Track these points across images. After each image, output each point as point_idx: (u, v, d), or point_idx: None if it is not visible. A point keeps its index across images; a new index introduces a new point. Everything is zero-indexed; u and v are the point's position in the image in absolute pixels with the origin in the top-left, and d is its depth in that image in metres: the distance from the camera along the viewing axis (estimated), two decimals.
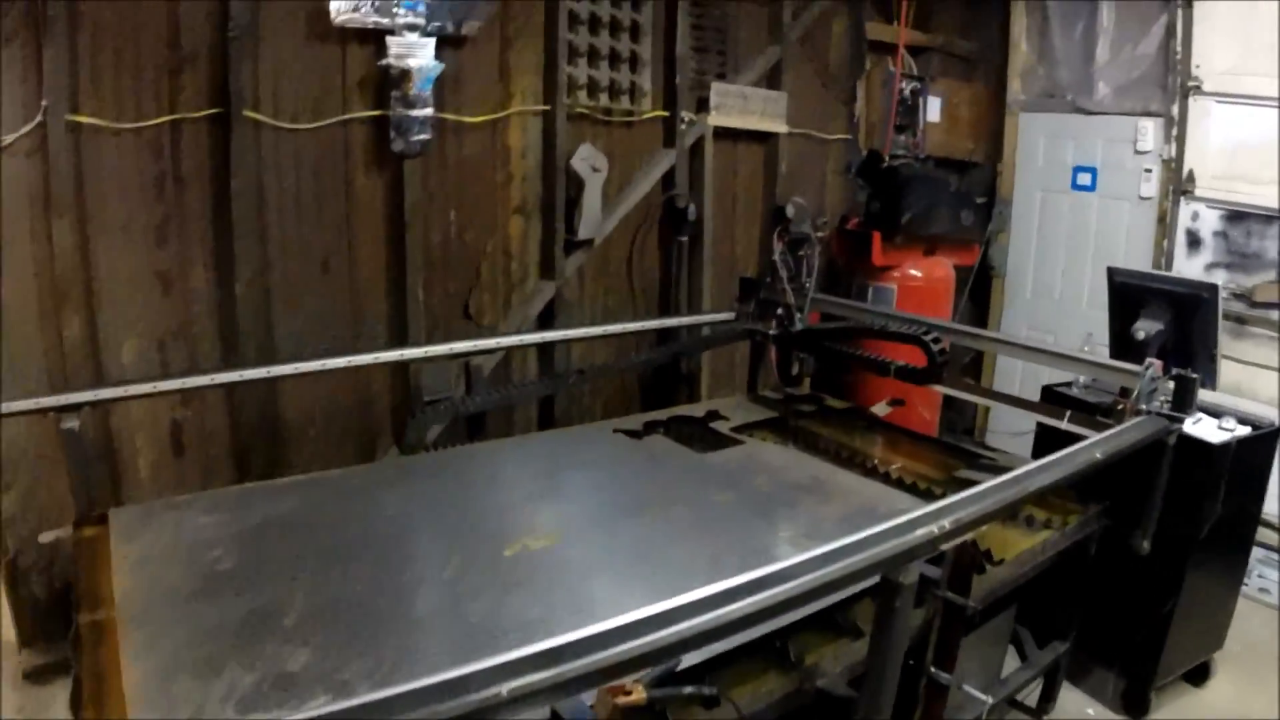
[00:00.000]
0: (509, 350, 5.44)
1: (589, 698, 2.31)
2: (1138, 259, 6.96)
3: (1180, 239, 6.80)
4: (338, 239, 4.93)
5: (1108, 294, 4.94)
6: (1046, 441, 4.44)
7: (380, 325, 5.14)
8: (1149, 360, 3.91)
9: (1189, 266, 6.72)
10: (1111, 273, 4.94)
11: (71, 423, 3.49)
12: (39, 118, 4.02)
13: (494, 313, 5.56)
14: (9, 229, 4.05)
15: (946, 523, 2.68)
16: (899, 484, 4.16)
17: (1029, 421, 4.68)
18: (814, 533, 3.50)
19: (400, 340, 5.10)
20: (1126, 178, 7.12)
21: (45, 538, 3.71)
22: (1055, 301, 7.68)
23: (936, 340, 4.54)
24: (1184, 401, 3.82)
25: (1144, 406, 3.87)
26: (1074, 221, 7.52)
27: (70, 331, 4.22)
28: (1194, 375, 3.83)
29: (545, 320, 5.67)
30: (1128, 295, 4.79)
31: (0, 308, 4.06)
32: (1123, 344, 4.70)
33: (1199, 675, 4.91)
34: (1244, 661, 5.06)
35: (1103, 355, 4.61)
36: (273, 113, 4.59)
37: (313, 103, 4.71)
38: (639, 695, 2.30)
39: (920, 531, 2.61)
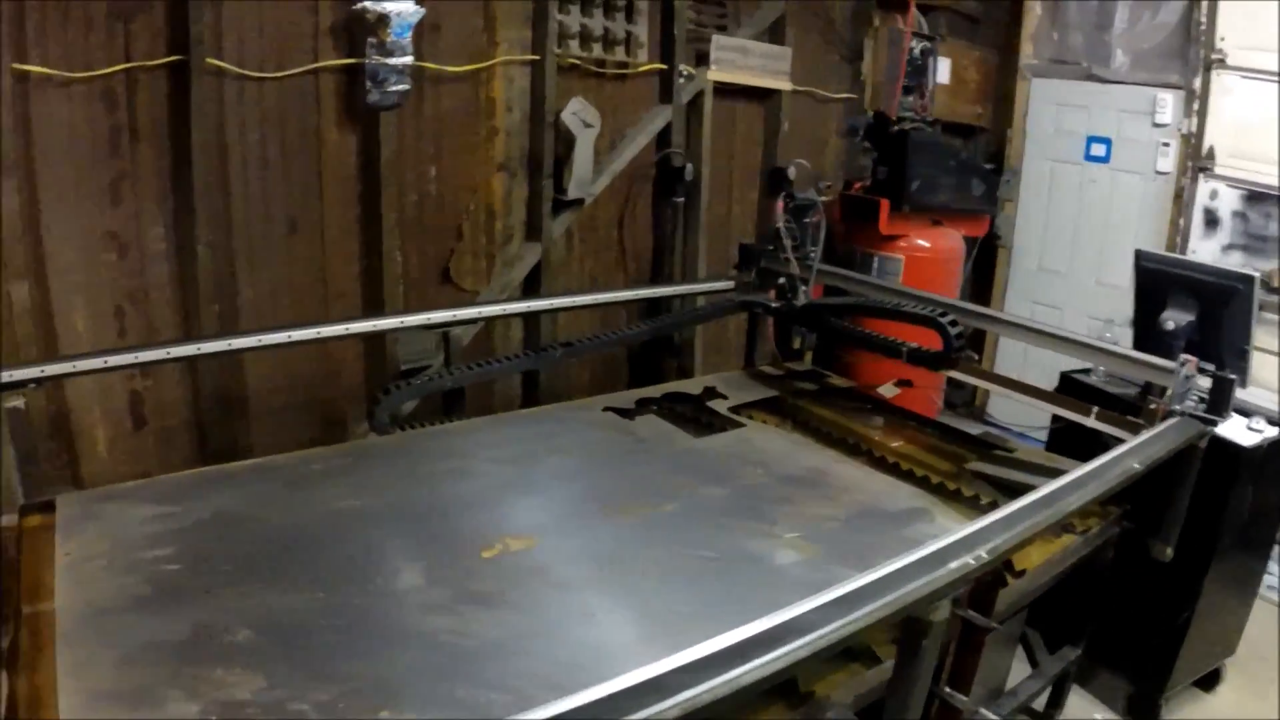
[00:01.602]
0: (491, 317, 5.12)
1: None
2: (1151, 236, 6.78)
3: (1197, 218, 6.60)
4: (306, 197, 4.61)
5: (1134, 279, 4.66)
6: (1066, 432, 4.23)
7: (352, 290, 4.83)
8: (1184, 357, 3.65)
9: (1204, 247, 6.53)
10: (1139, 256, 4.65)
11: (15, 401, 3.23)
12: None
13: (476, 276, 5.25)
14: None
15: (983, 553, 2.45)
16: (908, 477, 3.87)
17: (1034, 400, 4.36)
18: (814, 535, 3.24)
19: (375, 306, 4.81)
20: (1142, 151, 6.87)
21: None
22: (1063, 276, 7.44)
23: (954, 323, 4.22)
24: (1220, 404, 3.59)
25: (1177, 407, 3.63)
26: (1085, 194, 7.26)
27: (19, 298, 3.91)
28: (1231, 376, 3.60)
29: (531, 285, 5.37)
30: (1155, 282, 4.51)
31: None
32: (1147, 333, 4.46)
33: (1209, 681, 4.70)
34: (1254, 665, 4.83)
35: (1123, 341, 4.33)
36: (236, 60, 4.25)
37: (280, 49, 4.38)
38: None
39: (954, 565, 2.37)
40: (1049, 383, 4.69)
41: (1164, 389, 3.76)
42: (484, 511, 3.32)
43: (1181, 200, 6.63)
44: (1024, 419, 6.33)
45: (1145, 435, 3.46)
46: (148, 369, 4.23)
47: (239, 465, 3.58)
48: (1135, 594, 4.09)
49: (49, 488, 3.39)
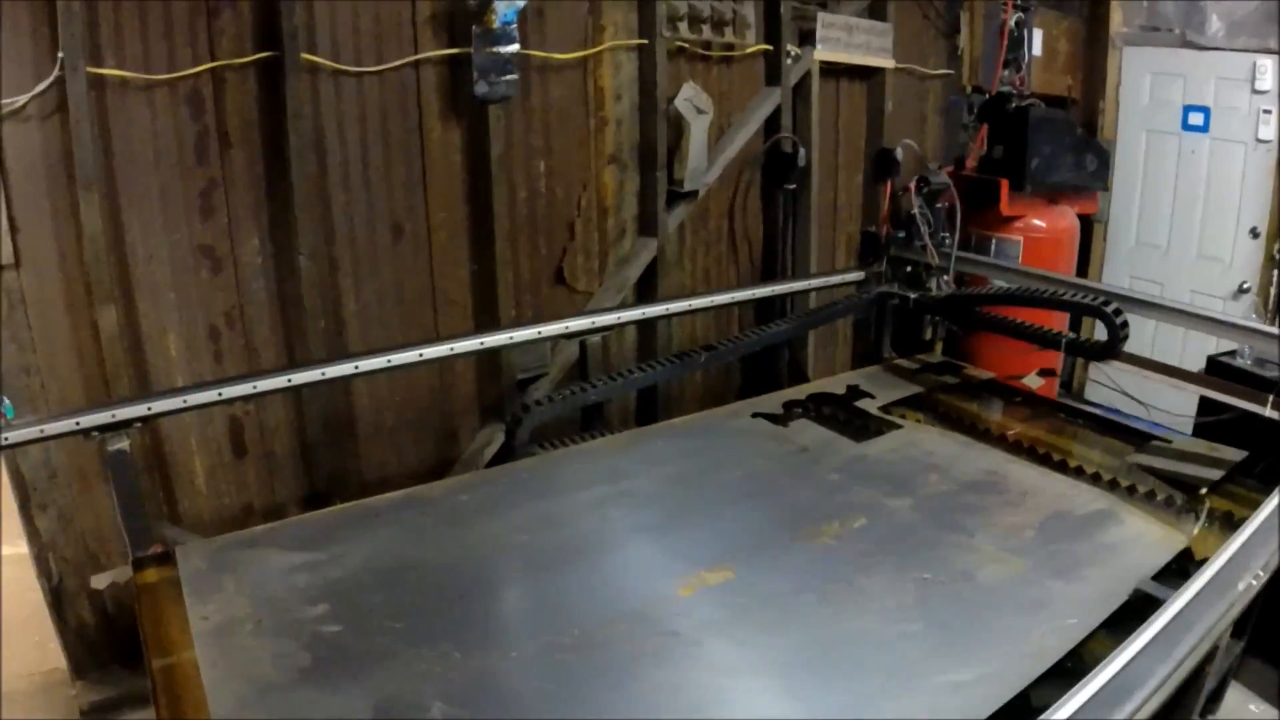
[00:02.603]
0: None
1: None
2: (1255, 206, 6.22)
3: None
4: (411, 200, 4.01)
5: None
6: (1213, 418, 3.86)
7: (463, 296, 4.25)
8: None
9: None
10: None
11: (119, 443, 2.79)
12: (55, 73, 3.12)
13: (589, 277, 4.62)
14: (26, 207, 3.21)
15: (1260, 570, 2.20)
16: (1078, 474, 3.42)
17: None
18: (1016, 547, 2.84)
19: (487, 312, 4.21)
20: (1243, 119, 6.23)
21: (99, 582, 3.15)
22: (1162, 250, 6.76)
23: (1119, 312, 3.74)
24: None
25: None
26: (1183, 165, 6.58)
27: (106, 324, 3.33)
28: None
29: (646, 283, 4.74)
30: None
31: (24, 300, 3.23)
32: None
33: None
34: None
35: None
36: (331, 55, 3.65)
37: (378, 41, 3.77)
38: None
39: (1240, 588, 2.13)
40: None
41: None
42: (665, 540, 2.84)
43: None
44: (1121, 402, 5.80)
45: None
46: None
47: (381, 500, 3.03)
48: None
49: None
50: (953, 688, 2.15)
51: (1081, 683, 1.69)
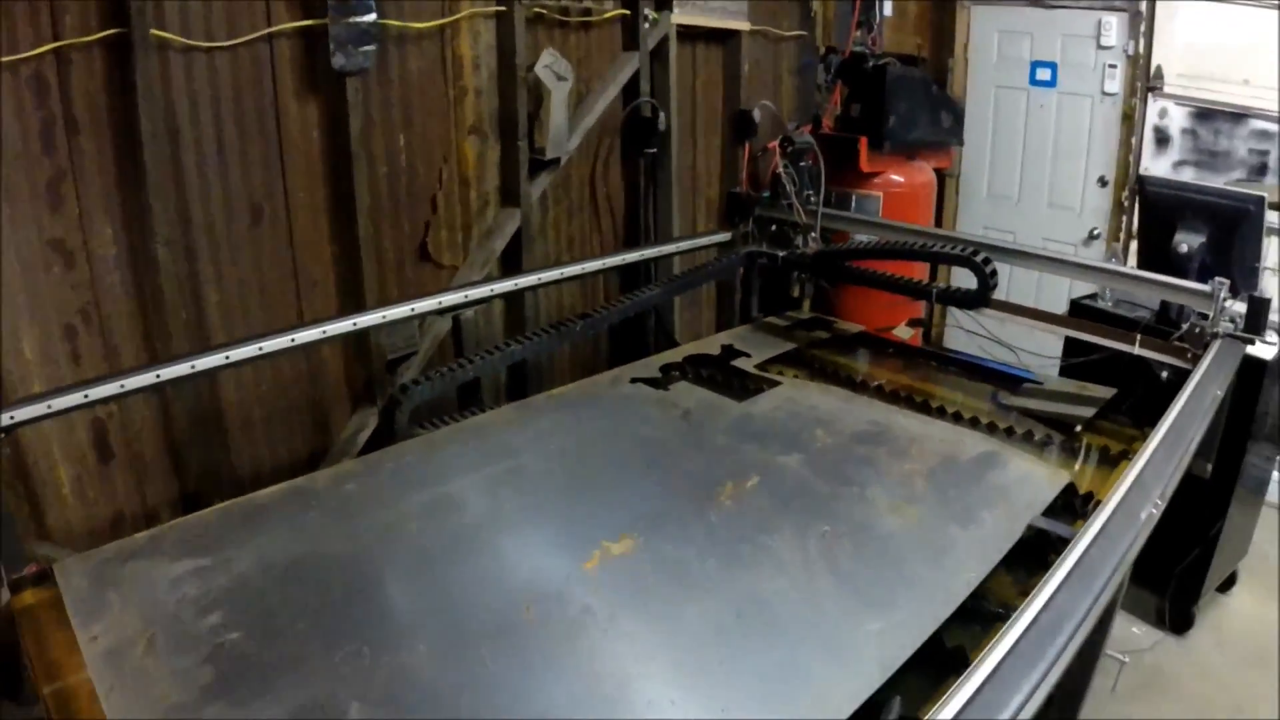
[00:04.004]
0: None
1: None
2: (1102, 156, 6.72)
3: (1148, 136, 6.51)
4: (269, 181, 3.97)
5: (1138, 204, 4.65)
6: (1078, 359, 4.26)
7: (326, 278, 4.24)
8: (1218, 280, 3.67)
9: (1156, 165, 6.47)
10: (1143, 181, 4.67)
11: None
12: None
13: (454, 251, 4.66)
14: None
15: (1159, 499, 2.43)
16: (957, 419, 3.69)
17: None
18: (909, 495, 3.05)
19: (352, 293, 4.22)
20: (1089, 74, 6.70)
21: None
22: (1014, 202, 7.23)
23: (988, 261, 4.07)
24: (1257, 323, 3.66)
25: (1217, 329, 3.69)
26: (1032, 119, 7.05)
27: None
28: (1267, 296, 3.69)
29: (511, 255, 4.81)
30: (1161, 206, 4.40)
31: None
32: (1154, 256, 4.37)
33: (1226, 582, 4.76)
34: (1261, 566, 4.94)
35: None
36: (181, 30, 3.57)
37: (229, 14, 3.71)
38: None
39: (1143, 517, 2.35)
40: None
41: (1182, 308, 3.96)
42: (563, 515, 2.93)
43: (1132, 120, 6.51)
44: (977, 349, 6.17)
45: (1208, 360, 3.42)
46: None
47: (264, 496, 2.99)
48: (1171, 511, 3.99)
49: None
50: (873, 636, 2.28)
51: (1009, 623, 1.83)
